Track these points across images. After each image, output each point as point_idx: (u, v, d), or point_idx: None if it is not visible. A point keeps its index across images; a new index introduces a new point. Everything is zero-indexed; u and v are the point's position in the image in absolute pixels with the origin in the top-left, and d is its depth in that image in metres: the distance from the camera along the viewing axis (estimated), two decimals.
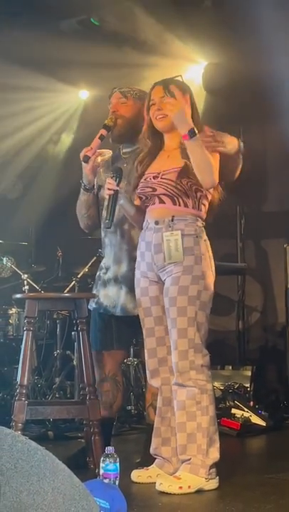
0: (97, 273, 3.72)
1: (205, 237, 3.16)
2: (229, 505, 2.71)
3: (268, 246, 6.03)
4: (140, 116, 3.55)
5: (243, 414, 4.59)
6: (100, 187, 3.66)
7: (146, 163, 3.27)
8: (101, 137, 3.53)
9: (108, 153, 3.68)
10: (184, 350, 3.04)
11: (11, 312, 5.29)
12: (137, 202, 3.29)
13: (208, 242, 3.17)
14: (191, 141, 3.05)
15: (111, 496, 2.35)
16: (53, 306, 3.73)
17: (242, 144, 3.29)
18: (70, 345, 5.19)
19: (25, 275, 5.20)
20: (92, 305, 3.59)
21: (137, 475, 3.14)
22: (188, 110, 3.14)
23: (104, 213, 3.52)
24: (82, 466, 3.29)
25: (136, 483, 3.10)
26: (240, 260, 6.06)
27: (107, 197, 3.31)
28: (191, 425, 3.02)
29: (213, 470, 3.02)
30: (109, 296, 3.57)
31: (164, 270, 3.13)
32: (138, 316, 3.35)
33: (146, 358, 3.25)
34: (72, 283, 5.21)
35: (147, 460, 3.25)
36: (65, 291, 5.01)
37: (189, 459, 3.00)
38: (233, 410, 4.69)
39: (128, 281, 3.47)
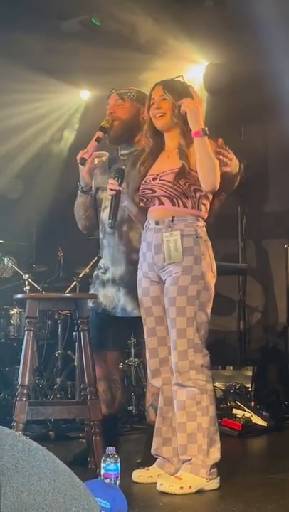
0: (95, 272, 3.74)
1: (205, 237, 3.16)
2: (230, 505, 2.71)
3: (269, 246, 6.03)
4: (137, 118, 3.58)
5: (244, 415, 4.59)
6: (97, 189, 3.68)
7: (148, 164, 3.28)
8: (97, 139, 3.54)
9: (105, 155, 3.70)
10: (183, 350, 3.04)
11: (12, 312, 5.29)
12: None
13: (208, 242, 3.17)
14: (201, 138, 3.05)
15: (112, 496, 2.35)
16: (54, 306, 3.72)
17: (242, 167, 3.30)
18: (71, 345, 5.18)
19: (27, 275, 5.21)
20: (89, 304, 3.61)
21: (138, 475, 3.14)
22: (202, 110, 3.14)
23: (103, 214, 3.53)
24: (83, 466, 3.29)
25: (137, 483, 3.10)
26: (241, 260, 6.06)
27: (109, 197, 3.32)
28: (192, 425, 3.02)
29: (214, 470, 3.02)
30: (108, 296, 3.59)
31: (164, 270, 3.14)
32: (136, 317, 3.37)
33: (147, 358, 3.25)
34: (74, 283, 5.21)
35: (148, 460, 3.25)
36: (66, 292, 5.01)
37: (190, 460, 3.01)
38: (234, 410, 4.69)
39: (126, 283, 3.51)
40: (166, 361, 3.17)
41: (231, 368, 5.57)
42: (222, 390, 5.29)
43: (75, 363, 5.00)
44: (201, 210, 3.17)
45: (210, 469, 3.00)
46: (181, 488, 2.92)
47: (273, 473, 3.28)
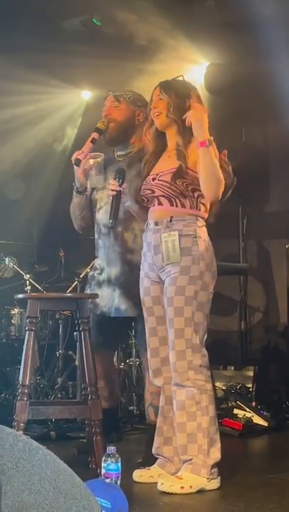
0: (91, 273, 3.79)
1: (205, 237, 3.16)
2: (231, 505, 2.71)
3: (270, 246, 6.03)
4: (133, 120, 3.62)
5: (245, 415, 4.59)
6: (92, 189, 3.72)
7: (151, 164, 3.29)
8: (93, 140, 3.57)
9: (100, 156, 3.72)
10: (181, 350, 3.04)
11: (13, 312, 5.29)
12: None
13: (208, 242, 3.17)
14: (206, 148, 3.05)
15: (112, 496, 2.35)
16: (55, 306, 3.73)
17: (235, 181, 3.33)
18: (72, 345, 5.18)
19: (28, 275, 5.21)
20: None
21: (139, 475, 3.14)
22: (206, 120, 3.13)
23: (98, 215, 3.56)
24: (84, 465, 3.29)
25: (137, 483, 3.10)
26: (243, 260, 6.05)
27: (105, 198, 3.34)
28: (191, 425, 3.02)
29: (215, 470, 3.02)
30: (104, 297, 3.63)
31: (163, 270, 3.15)
32: (130, 317, 3.43)
33: (148, 357, 3.26)
34: (75, 283, 5.21)
35: (149, 460, 3.25)
36: (67, 292, 5.01)
37: (191, 459, 3.01)
38: (235, 410, 4.68)
39: (121, 283, 3.55)
40: (168, 360, 3.17)
41: (232, 367, 5.57)
42: (223, 390, 5.29)
43: (76, 363, 5.00)
44: (200, 210, 3.17)
45: (210, 469, 3.00)
46: (182, 487, 2.92)
47: (274, 473, 3.28)
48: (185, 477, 2.97)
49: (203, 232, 3.16)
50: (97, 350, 3.58)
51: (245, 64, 5.37)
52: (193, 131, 3.11)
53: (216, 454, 3.03)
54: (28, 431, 3.58)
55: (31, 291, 5.07)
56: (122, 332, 3.66)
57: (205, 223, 3.20)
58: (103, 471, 2.75)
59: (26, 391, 3.25)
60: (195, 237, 3.11)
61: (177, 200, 3.14)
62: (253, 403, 4.99)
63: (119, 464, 2.75)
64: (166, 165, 3.19)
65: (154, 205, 3.21)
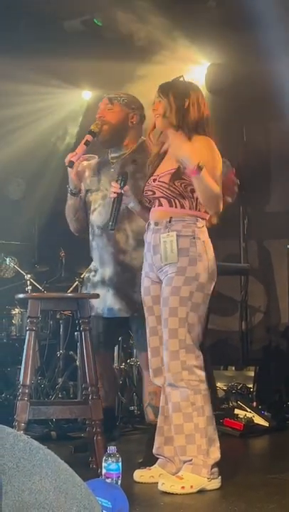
0: (87, 275, 3.82)
1: (204, 238, 3.15)
2: (232, 505, 2.71)
3: (271, 246, 6.03)
4: (126, 122, 3.65)
5: (245, 415, 4.59)
6: (86, 191, 3.74)
7: (154, 165, 3.30)
8: (86, 143, 3.59)
9: (94, 158, 3.74)
10: (174, 350, 3.04)
11: (14, 312, 5.30)
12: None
13: (208, 244, 3.16)
14: (198, 175, 3.03)
15: (113, 496, 2.35)
16: (56, 306, 3.73)
17: (237, 182, 3.35)
18: (73, 345, 5.18)
19: (28, 275, 5.21)
20: None
21: (140, 475, 3.14)
22: (187, 145, 3.09)
23: (92, 217, 3.57)
24: (85, 465, 3.30)
25: (138, 482, 3.10)
26: (243, 260, 6.05)
27: (111, 200, 3.35)
28: (189, 426, 3.02)
29: (215, 470, 3.02)
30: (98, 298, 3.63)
31: (161, 271, 3.16)
32: (124, 317, 3.47)
33: (149, 357, 3.26)
34: (75, 283, 5.21)
35: (150, 460, 3.25)
36: (68, 292, 5.01)
37: (191, 460, 3.01)
38: (236, 411, 4.68)
39: (114, 284, 3.58)
40: None
41: (233, 368, 5.57)
42: (224, 390, 5.29)
43: (77, 363, 5.00)
44: (199, 211, 3.17)
45: (211, 469, 3.00)
46: (183, 487, 2.92)
47: (275, 473, 3.28)
48: (186, 477, 2.97)
49: (202, 233, 3.15)
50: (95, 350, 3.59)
51: (245, 64, 5.37)
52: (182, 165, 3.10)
53: (215, 454, 3.03)
54: (29, 431, 3.58)
55: (32, 291, 5.07)
56: (119, 332, 3.67)
57: (206, 224, 3.20)
58: (104, 470, 2.75)
59: (27, 391, 3.25)
60: (193, 238, 3.11)
61: (176, 201, 3.15)
62: (254, 403, 4.99)
63: (120, 464, 2.75)
64: (166, 166, 3.20)
65: (155, 206, 3.22)
